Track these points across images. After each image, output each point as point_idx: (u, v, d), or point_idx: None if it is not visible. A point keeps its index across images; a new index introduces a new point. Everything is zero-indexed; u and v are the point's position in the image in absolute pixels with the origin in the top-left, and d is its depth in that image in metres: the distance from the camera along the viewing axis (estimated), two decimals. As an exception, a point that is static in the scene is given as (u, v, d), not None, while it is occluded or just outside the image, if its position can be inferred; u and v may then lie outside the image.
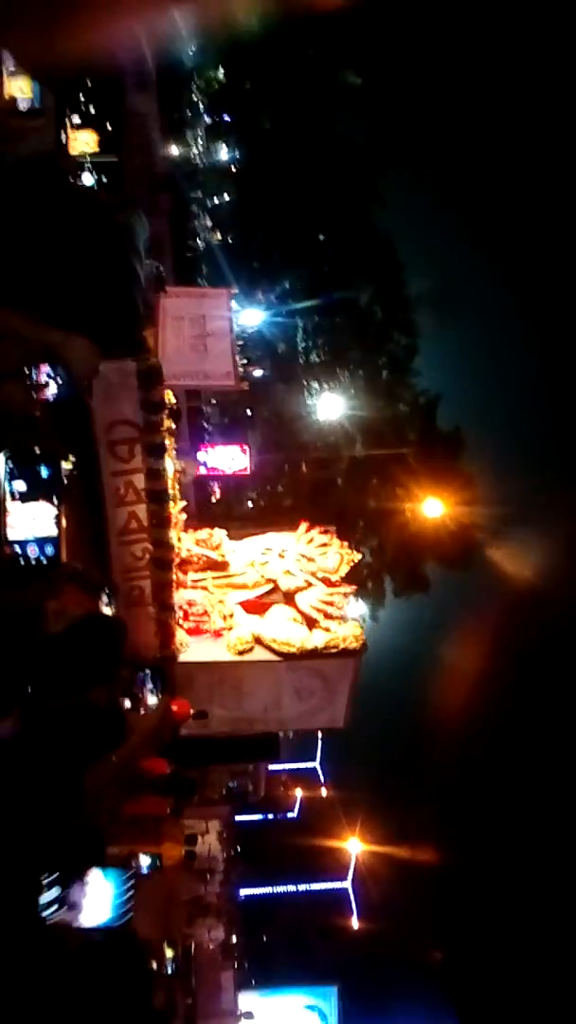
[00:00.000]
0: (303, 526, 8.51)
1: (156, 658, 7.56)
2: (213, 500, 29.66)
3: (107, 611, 6.65)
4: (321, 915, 27.32)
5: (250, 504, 31.30)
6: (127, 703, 7.01)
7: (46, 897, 4.01)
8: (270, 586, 8.12)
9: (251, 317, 25.79)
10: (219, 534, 8.19)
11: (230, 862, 15.77)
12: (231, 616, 7.93)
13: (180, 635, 7.77)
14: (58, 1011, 3.49)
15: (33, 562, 5.71)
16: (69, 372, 5.05)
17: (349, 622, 7.99)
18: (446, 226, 25.58)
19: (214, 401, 30.56)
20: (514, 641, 31.89)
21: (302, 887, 27.53)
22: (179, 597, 7.81)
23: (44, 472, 5.68)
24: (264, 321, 29.25)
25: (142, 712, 7.13)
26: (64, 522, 5.80)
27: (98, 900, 4.83)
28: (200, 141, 29.37)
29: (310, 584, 8.08)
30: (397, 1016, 22.28)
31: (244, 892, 25.03)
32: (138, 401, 6.45)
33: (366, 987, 22.77)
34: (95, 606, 6.49)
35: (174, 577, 7.47)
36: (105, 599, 6.56)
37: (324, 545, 8.36)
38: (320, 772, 29.51)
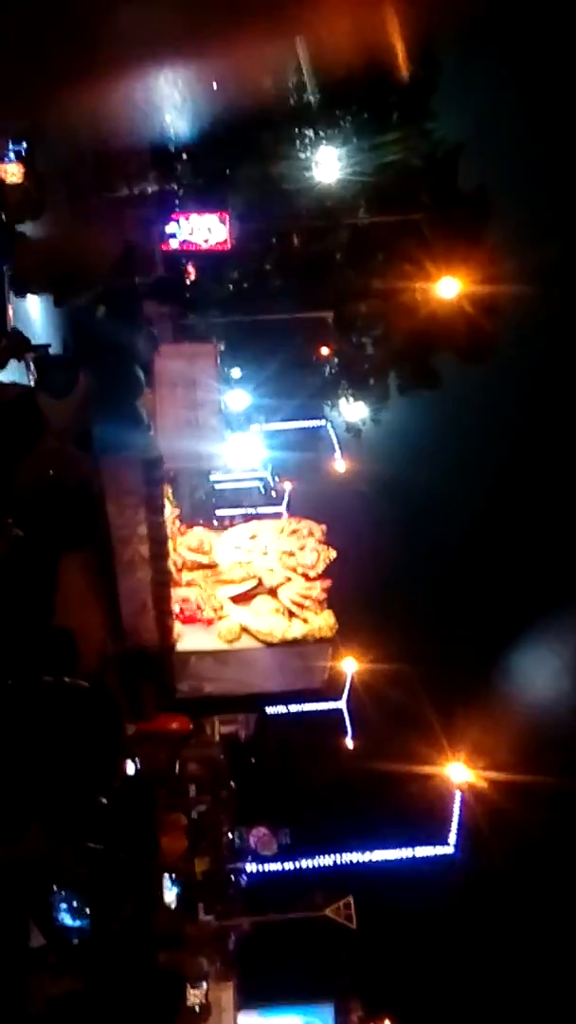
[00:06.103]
0: (284, 517, 11.95)
1: (158, 648, 11.30)
2: (187, 282, 31.52)
3: None
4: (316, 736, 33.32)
5: (231, 287, 33.12)
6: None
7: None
8: (255, 581, 11.71)
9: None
10: (208, 538, 11.65)
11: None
12: (221, 608, 11.60)
13: (177, 627, 11.45)
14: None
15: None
16: None
17: (324, 612, 11.66)
18: None
19: (185, 156, 31.50)
20: (533, 446, 35.48)
21: (294, 708, 33.35)
22: (175, 596, 11.41)
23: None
24: None
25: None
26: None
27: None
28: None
29: (290, 579, 11.67)
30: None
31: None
32: (143, 479, 9.73)
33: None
34: None
35: (171, 591, 11.04)
36: None
37: (304, 537, 11.83)
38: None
